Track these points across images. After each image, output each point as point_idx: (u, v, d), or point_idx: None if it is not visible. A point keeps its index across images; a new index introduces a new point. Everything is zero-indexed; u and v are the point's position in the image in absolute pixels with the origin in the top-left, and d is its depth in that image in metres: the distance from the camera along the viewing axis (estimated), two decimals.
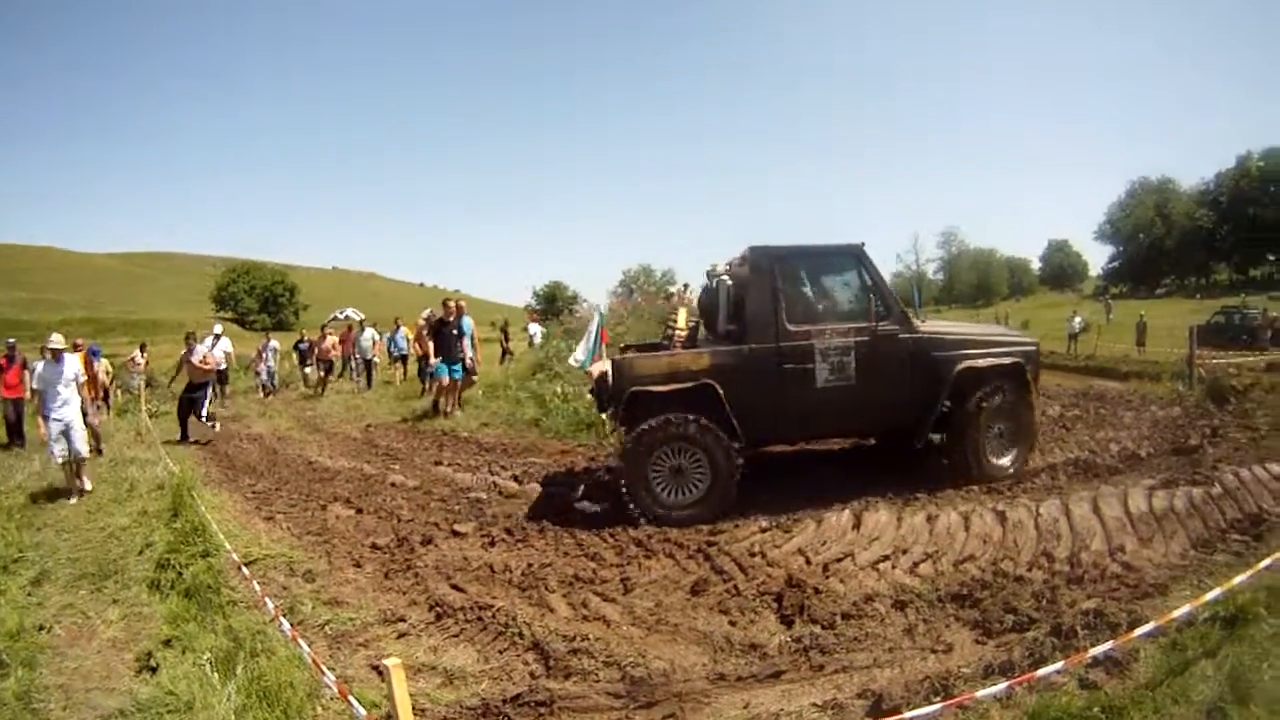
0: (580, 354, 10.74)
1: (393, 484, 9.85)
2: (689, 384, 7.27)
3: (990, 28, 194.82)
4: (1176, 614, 4.03)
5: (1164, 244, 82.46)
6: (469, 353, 14.92)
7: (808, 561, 5.91)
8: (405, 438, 13.75)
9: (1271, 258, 77.88)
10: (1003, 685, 3.50)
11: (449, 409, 14.76)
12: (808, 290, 7.90)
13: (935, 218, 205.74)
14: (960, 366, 7.84)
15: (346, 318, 44.35)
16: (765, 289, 7.53)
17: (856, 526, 6.60)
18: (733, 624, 5.00)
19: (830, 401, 7.54)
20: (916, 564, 5.80)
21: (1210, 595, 4.18)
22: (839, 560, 5.88)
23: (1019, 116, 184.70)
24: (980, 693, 3.46)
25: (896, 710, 3.46)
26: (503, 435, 13.08)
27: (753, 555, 6.12)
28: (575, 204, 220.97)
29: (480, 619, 5.31)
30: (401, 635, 5.26)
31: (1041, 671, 3.56)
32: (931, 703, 3.54)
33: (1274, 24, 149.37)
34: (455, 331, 14.63)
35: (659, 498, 7.30)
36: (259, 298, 72.32)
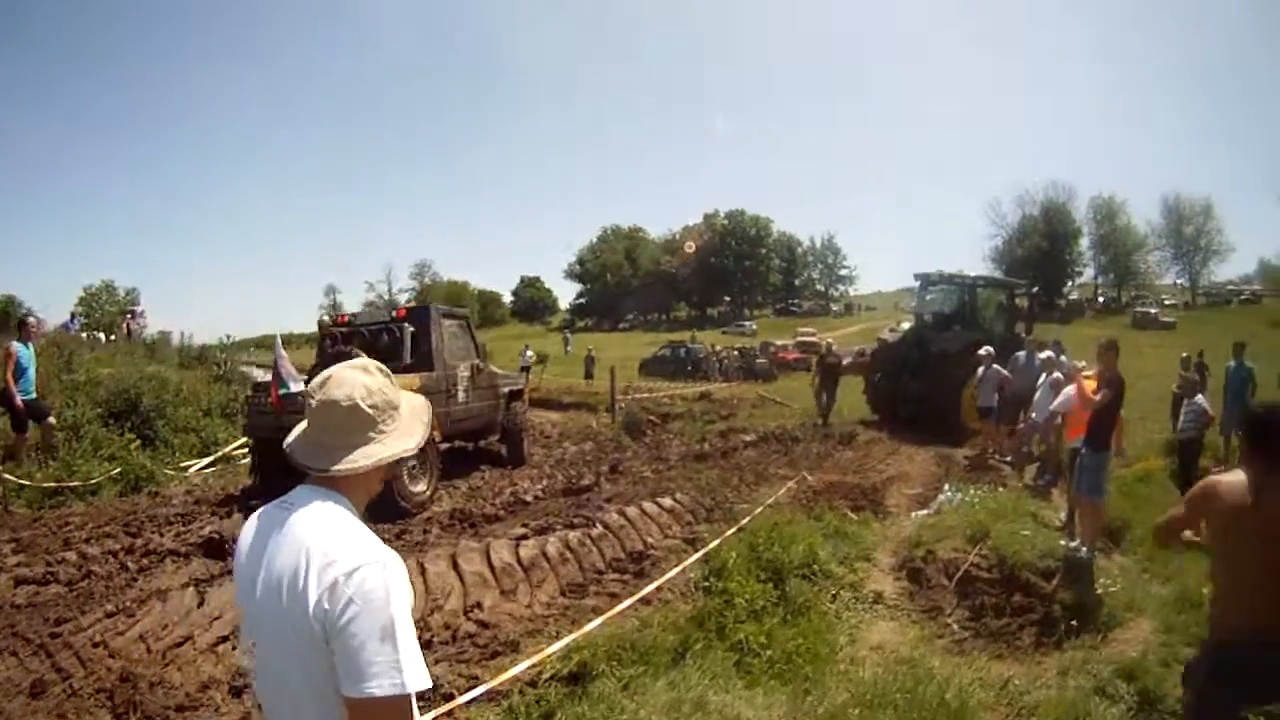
0: (294, 385, 8.95)
1: None
2: None
3: (476, 72, 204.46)
4: (513, 673, 4.19)
5: (630, 284, 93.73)
6: None
7: (149, 649, 5.21)
8: None
9: (727, 298, 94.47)
10: None
11: None
12: None
13: (410, 249, 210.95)
14: None
15: None
16: None
17: (201, 604, 5.80)
18: None
19: None
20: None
21: (555, 647, 4.45)
22: (179, 645, 5.26)
23: (500, 160, 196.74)
24: None
25: None
26: None
27: (95, 646, 5.25)
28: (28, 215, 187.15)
29: None
30: None
31: None
32: None
33: (733, 107, 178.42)
34: None
35: None
36: None
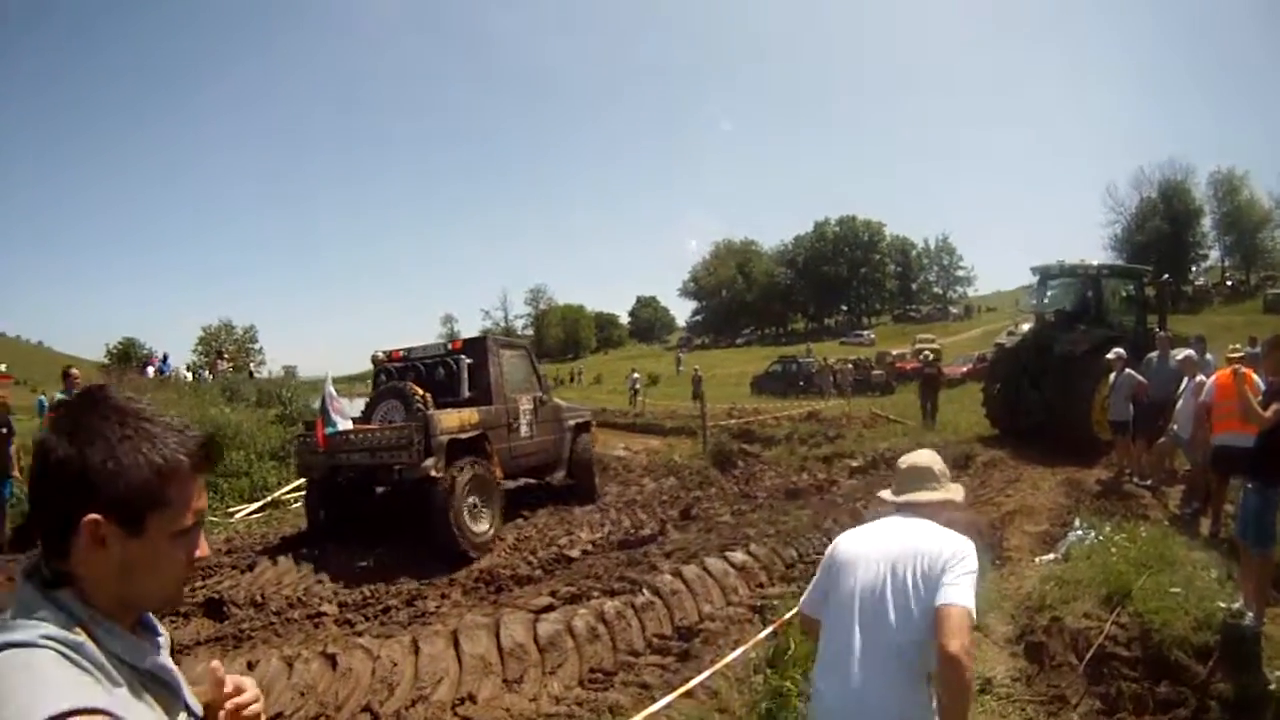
0: (341, 423, 9.03)
1: None
2: None
3: (586, 94, 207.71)
4: None
5: (745, 298, 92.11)
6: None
7: None
8: None
9: (844, 308, 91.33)
10: None
11: None
12: None
13: (525, 276, 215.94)
14: None
15: None
16: None
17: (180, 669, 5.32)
18: None
19: None
20: None
21: None
22: None
23: (605, 181, 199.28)
24: None
25: None
26: None
27: None
28: (153, 258, 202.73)
29: None
30: None
31: None
32: None
33: (850, 106, 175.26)
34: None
35: None
36: None
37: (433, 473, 8.28)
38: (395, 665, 5.39)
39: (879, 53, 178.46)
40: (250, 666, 5.47)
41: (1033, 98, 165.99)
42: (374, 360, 11.33)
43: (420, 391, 9.45)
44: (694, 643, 5.76)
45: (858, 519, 9.24)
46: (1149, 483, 9.99)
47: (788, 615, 5.66)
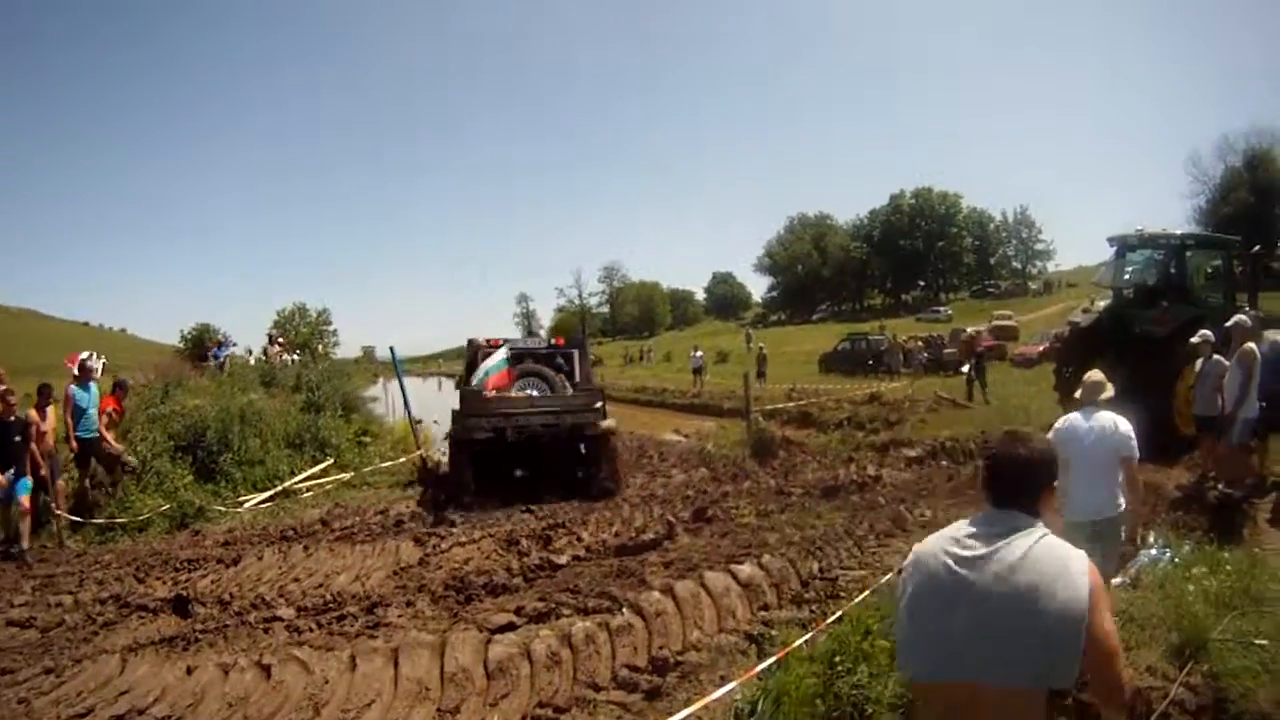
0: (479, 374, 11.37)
1: None
2: None
3: (649, 65, 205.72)
4: None
5: (820, 273, 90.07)
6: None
7: (58, 717, 4.86)
8: None
9: (922, 284, 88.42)
10: None
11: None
12: None
13: (598, 253, 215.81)
14: None
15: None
16: None
17: (122, 673, 5.42)
18: None
19: None
20: None
21: None
22: (81, 717, 4.85)
23: (683, 156, 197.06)
24: None
25: None
26: None
27: (19, 703, 5.08)
28: (233, 243, 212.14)
29: None
30: None
31: None
32: None
33: (922, 75, 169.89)
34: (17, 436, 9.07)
35: None
36: None
37: (612, 428, 11.23)
38: (327, 683, 4.93)
39: (954, 18, 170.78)
40: (189, 672, 5.27)
41: (1120, 59, 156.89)
42: (471, 343, 12.99)
43: (555, 373, 12.02)
44: (668, 678, 4.88)
45: (899, 524, 8.21)
46: (1238, 493, 8.60)
47: (790, 648, 4.75)
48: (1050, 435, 5.07)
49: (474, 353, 12.32)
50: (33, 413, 9.58)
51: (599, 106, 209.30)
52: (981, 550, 2.06)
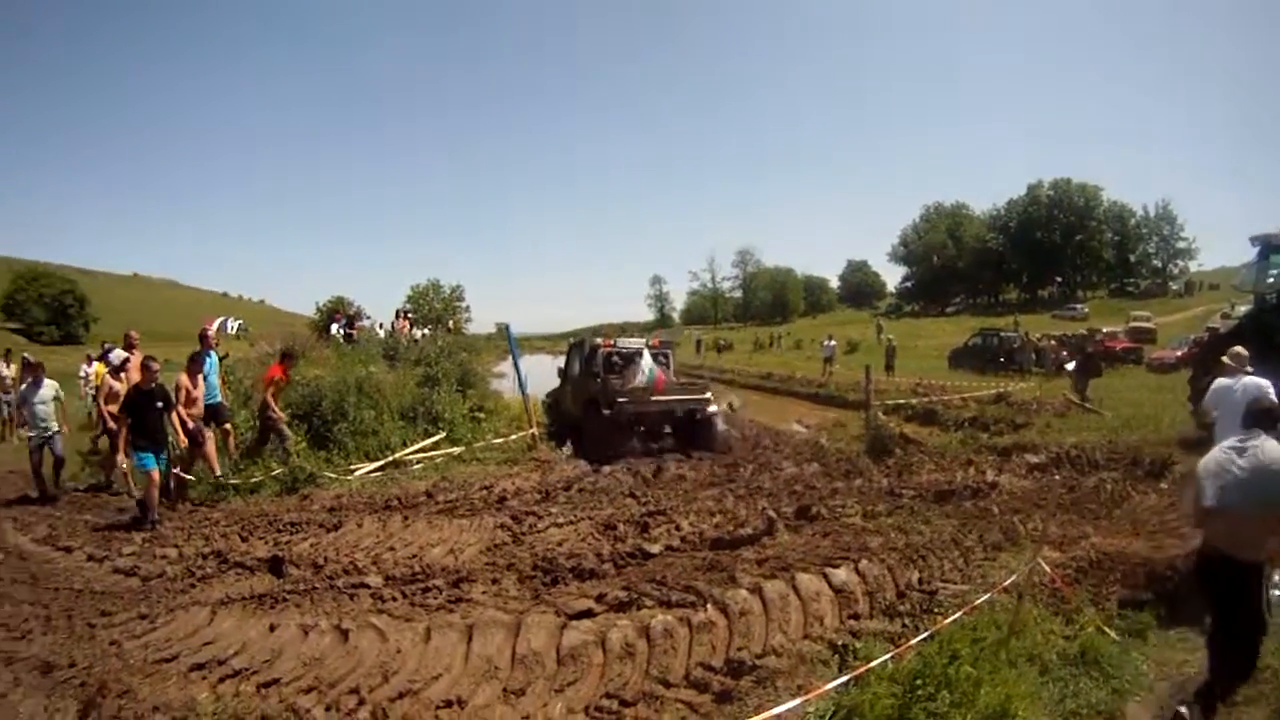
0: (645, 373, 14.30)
1: None
2: None
3: (788, 53, 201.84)
4: None
5: (955, 264, 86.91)
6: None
7: (145, 660, 5.18)
8: None
9: (1059, 279, 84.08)
10: None
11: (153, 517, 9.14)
12: None
13: (732, 237, 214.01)
14: None
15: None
16: None
17: (210, 623, 5.80)
18: None
19: None
20: (224, 679, 4.90)
21: None
22: (167, 661, 5.14)
23: (819, 144, 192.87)
24: None
25: None
26: None
27: (111, 644, 5.45)
28: (371, 219, 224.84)
29: None
30: None
31: None
32: None
33: (1066, 70, 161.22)
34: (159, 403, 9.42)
35: None
36: (48, 307, 59.53)
37: (720, 410, 15.83)
38: (400, 652, 5.06)
39: (1101, 6, 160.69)
40: (271, 629, 5.55)
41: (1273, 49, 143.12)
42: (585, 342, 16.33)
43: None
44: (742, 681, 4.65)
45: (1010, 536, 7.67)
46: None
47: (872, 665, 4.46)
48: (1206, 400, 7.09)
49: (591, 350, 15.66)
50: (183, 377, 10.23)
51: (744, 91, 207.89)
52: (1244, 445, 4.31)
